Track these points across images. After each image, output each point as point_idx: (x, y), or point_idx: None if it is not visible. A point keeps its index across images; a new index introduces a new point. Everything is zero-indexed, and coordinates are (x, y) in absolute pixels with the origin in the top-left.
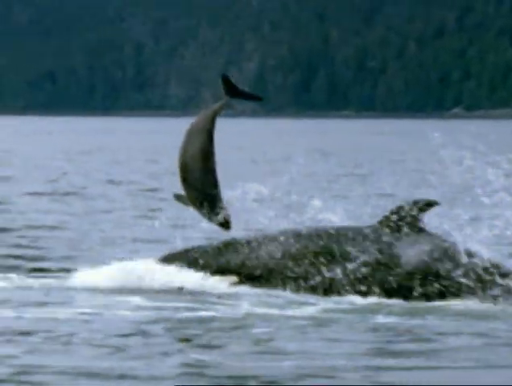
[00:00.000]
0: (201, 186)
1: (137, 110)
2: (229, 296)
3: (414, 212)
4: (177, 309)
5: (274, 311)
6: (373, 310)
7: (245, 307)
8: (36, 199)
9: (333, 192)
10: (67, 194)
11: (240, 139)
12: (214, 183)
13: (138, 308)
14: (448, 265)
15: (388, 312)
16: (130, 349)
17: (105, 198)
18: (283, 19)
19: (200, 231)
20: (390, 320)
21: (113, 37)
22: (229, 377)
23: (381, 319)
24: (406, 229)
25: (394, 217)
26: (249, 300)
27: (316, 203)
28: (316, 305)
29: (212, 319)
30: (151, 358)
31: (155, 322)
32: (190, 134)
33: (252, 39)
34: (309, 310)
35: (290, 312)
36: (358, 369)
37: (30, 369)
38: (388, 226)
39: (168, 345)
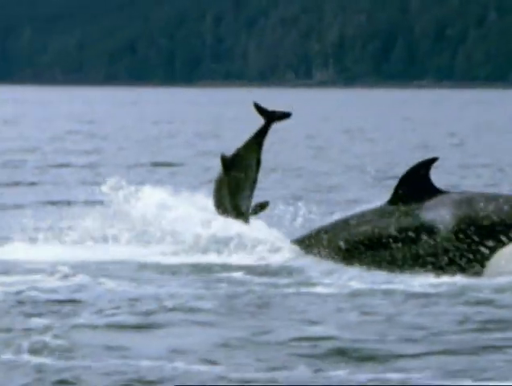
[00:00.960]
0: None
1: (216, 81)
2: (333, 272)
3: (424, 174)
4: (284, 285)
5: (380, 286)
6: (473, 285)
7: (351, 283)
8: (141, 171)
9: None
10: (169, 165)
11: (325, 109)
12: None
13: (245, 283)
14: None
15: (486, 287)
16: (242, 321)
17: (210, 168)
18: None
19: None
20: (492, 295)
21: (193, 7)
22: (341, 349)
23: (483, 294)
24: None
25: (405, 188)
26: (353, 276)
27: None
28: (418, 280)
29: (320, 294)
30: (266, 329)
31: (263, 296)
32: (235, 161)
33: (332, 8)
34: (414, 285)
35: (394, 287)
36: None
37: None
38: (404, 196)
39: (281, 318)
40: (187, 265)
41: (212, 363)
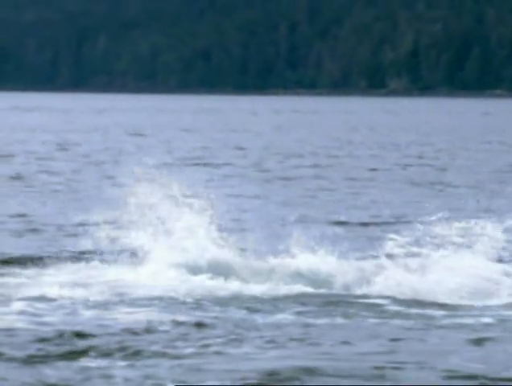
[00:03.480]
0: None
1: (289, 89)
2: None
3: None
4: None
5: None
6: None
7: None
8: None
9: None
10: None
11: (415, 118)
12: None
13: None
14: None
15: None
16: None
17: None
18: None
19: None
20: None
21: (267, 15)
22: None
23: None
24: None
25: None
26: None
27: None
28: None
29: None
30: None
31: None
32: None
33: (406, 16)
34: None
35: None
36: None
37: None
38: None
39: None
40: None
41: None
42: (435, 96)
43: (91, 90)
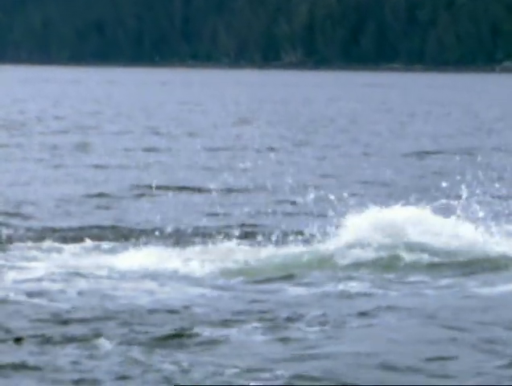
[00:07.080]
0: None
1: (184, 62)
2: None
3: None
4: None
5: None
6: None
7: None
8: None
9: None
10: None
11: (326, 91)
12: None
13: None
14: None
15: None
16: None
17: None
18: None
19: None
20: None
21: None
22: None
23: None
24: None
25: None
26: None
27: None
28: None
29: None
30: None
31: None
32: None
33: None
34: None
35: None
36: None
37: None
38: None
39: None
40: None
41: None
42: (331, 69)
43: None
